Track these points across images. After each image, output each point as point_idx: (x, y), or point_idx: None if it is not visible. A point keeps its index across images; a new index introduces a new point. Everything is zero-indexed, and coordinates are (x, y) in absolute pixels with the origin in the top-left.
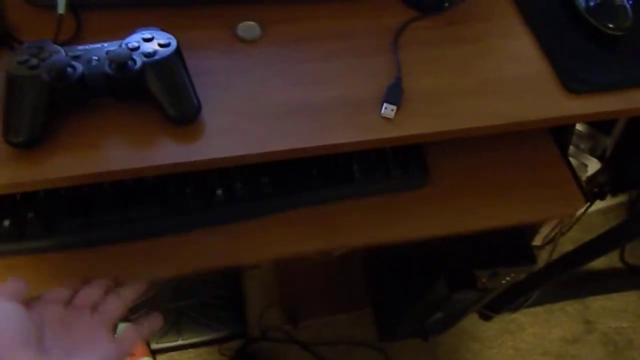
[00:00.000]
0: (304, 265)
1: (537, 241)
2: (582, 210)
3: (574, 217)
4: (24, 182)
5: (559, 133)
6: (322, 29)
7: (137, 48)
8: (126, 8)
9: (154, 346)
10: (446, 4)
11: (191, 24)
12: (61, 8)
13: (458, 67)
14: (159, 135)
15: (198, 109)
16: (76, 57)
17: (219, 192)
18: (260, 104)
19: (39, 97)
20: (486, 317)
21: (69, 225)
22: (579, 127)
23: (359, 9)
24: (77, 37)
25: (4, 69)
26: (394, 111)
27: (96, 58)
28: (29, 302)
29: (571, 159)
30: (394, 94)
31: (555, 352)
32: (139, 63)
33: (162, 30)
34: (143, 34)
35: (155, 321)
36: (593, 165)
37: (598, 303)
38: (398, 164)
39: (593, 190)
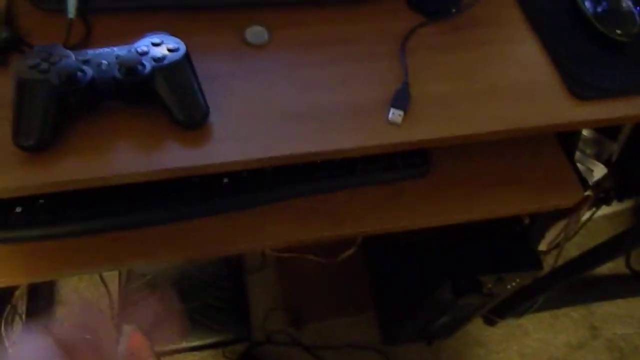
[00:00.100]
0: (308, 268)
1: (543, 246)
2: (588, 215)
3: (578, 220)
4: (34, 185)
5: (566, 139)
6: (329, 33)
7: (147, 52)
8: (135, 12)
9: (158, 349)
10: (453, 10)
11: (199, 29)
12: (71, 12)
13: (465, 72)
14: (167, 139)
15: (206, 113)
16: (86, 61)
17: (226, 180)
18: (268, 108)
19: (49, 100)
20: (491, 322)
21: (78, 213)
22: (584, 132)
23: (366, 14)
24: (86, 42)
25: (15, 73)
26: (401, 116)
27: (106, 62)
28: None
29: (577, 164)
30: (401, 99)
31: (560, 358)
32: (148, 67)
33: (171, 34)
34: (152, 39)
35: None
36: (599, 171)
37: (604, 309)
38: (400, 154)
39: (599, 195)
